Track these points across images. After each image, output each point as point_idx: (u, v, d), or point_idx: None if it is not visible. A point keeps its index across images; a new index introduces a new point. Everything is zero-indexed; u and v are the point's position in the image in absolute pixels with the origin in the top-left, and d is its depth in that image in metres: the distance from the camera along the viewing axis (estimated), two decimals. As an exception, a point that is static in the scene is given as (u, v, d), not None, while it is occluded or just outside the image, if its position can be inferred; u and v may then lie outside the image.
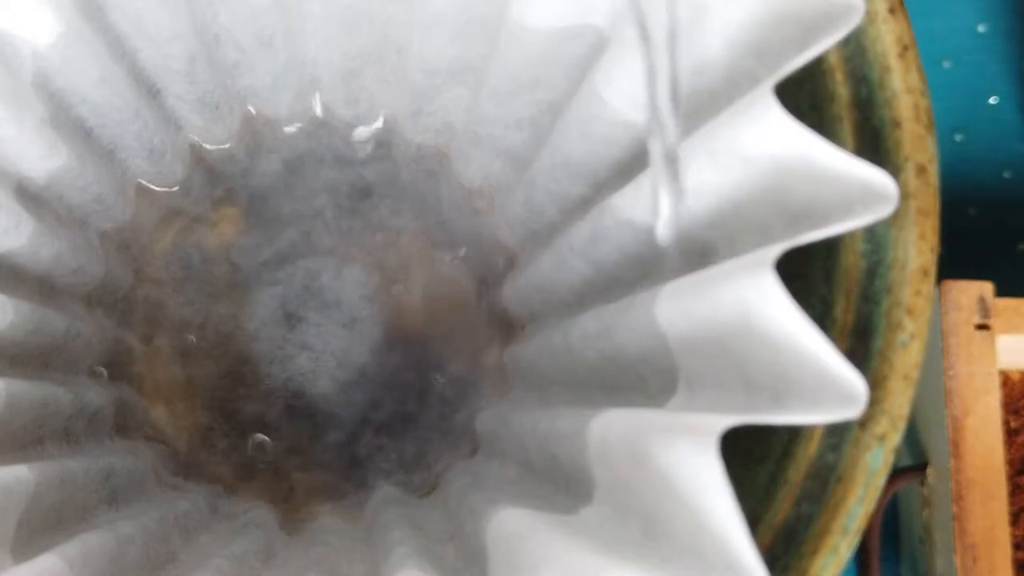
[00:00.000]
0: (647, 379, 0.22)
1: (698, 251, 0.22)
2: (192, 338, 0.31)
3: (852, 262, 0.21)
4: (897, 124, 0.21)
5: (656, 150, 0.18)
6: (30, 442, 0.25)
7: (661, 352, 0.21)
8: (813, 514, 0.20)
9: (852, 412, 0.16)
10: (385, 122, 0.32)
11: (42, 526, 0.23)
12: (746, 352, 0.18)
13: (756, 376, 0.18)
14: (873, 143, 0.21)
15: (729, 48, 0.21)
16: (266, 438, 0.31)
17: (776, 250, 0.17)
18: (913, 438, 0.32)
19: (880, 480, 0.20)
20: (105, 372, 0.30)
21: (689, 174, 0.21)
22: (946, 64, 0.39)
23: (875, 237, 0.21)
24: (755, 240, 0.20)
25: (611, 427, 0.20)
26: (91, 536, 0.23)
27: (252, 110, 0.31)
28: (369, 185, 0.32)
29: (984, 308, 0.29)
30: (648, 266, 0.24)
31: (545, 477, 0.24)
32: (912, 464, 0.31)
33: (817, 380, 0.17)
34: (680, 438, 0.17)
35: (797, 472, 0.21)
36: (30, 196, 0.27)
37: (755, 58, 0.21)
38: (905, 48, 0.21)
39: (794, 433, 0.21)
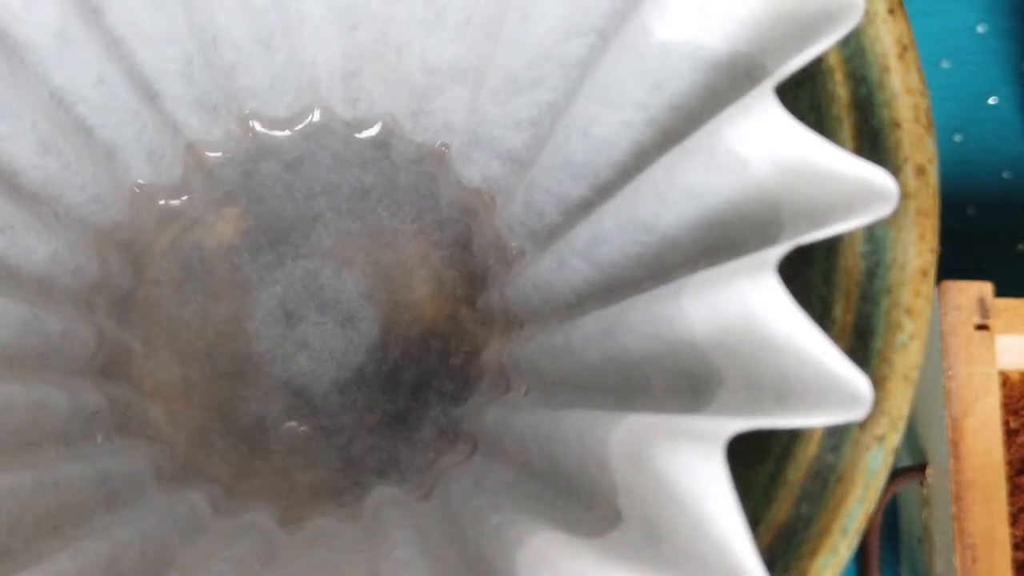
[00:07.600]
0: (652, 380, 0.22)
1: (700, 251, 0.22)
2: (192, 338, 0.31)
3: (852, 263, 0.21)
4: (896, 124, 0.21)
5: None
6: (26, 444, 0.25)
7: (665, 353, 0.21)
8: (813, 514, 0.20)
9: (857, 413, 0.16)
10: (384, 122, 0.32)
11: (37, 532, 0.23)
12: (749, 354, 0.18)
13: (759, 378, 0.18)
14: (872, 144, 0.21)
15: (729, 46, 0.21)
16: (266, 438, 0.31)
17: (778, 251, 0.17)
18: (913, 438, 0.32)
19: (880, 480, 0.20)
20: (104, 373, 0.30)
21: (690, 173, 0.21)
22: (945, 64, 0.39)
23: (874, 238, 0.21)
24: (756, 239, 0.20)
25: (614, 430, 0.20)
26: (86, 544, 0.22)
27: (250, 111, 0.31)
28: (368, 186, 0.32)
29: (983, 308, 0.29)
30: (650, 266, 0.24)
31: (545, 480, 0.24)
32: (912, 464, 0.31)
33: (821, 381, 0.17)
34: (684, 443, 0.17)
35: (797, 472, 0.21)
36: (27, 194, 0.27)
37: (755, 56, 0.21)
38: (904, 48, 0.21)
39: (794, 433, 0.21)
